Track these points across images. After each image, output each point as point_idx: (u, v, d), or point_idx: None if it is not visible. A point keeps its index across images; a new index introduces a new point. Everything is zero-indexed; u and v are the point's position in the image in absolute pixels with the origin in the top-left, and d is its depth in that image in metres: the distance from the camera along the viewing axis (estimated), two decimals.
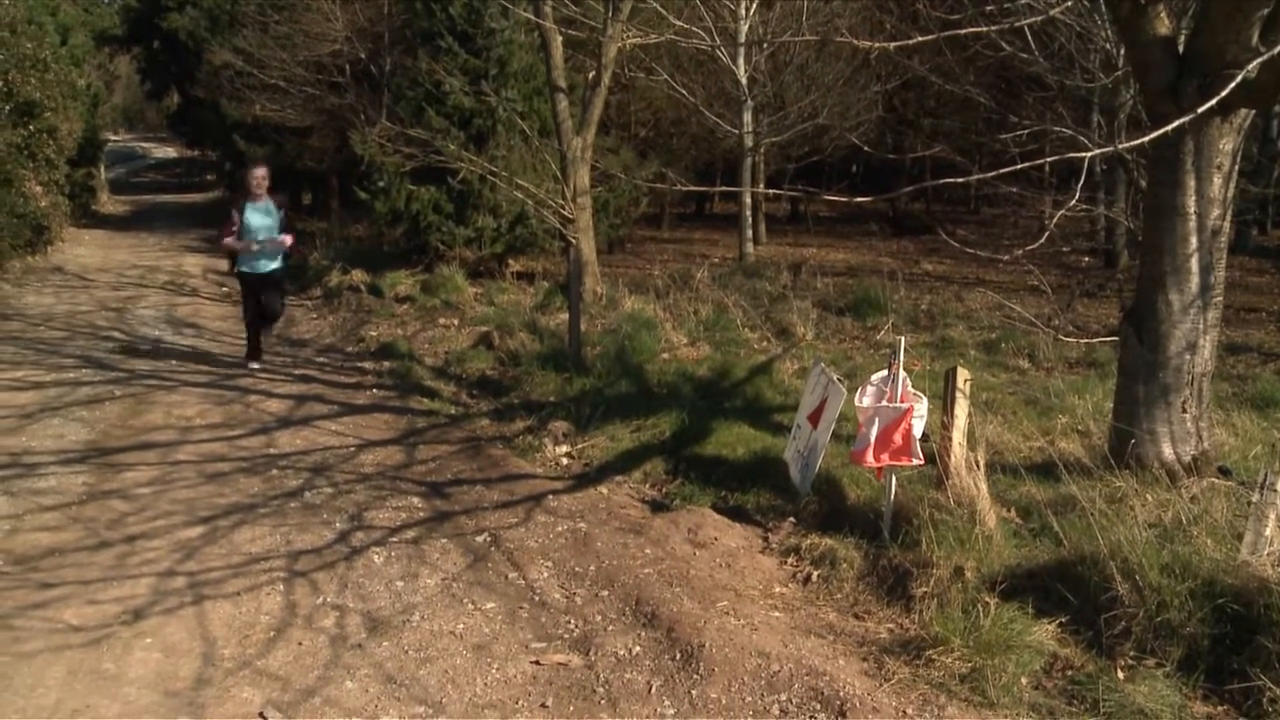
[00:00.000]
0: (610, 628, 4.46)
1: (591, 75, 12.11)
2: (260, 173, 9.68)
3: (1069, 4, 5.02)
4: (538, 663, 4.20)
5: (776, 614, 4.58)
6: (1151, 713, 3.64)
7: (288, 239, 9.73)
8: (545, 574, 5.06)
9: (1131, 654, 4.03)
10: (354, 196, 15.98)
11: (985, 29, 6.73)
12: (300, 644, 4.36)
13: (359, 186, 15.27)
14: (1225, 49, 5.09)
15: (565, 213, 9.07)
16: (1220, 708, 3.76)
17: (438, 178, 14.19)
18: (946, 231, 21.52)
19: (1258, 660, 3.77)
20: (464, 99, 14.55)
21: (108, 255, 19.80)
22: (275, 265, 9.80)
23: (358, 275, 14.81)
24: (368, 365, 10.05)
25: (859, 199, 4.18)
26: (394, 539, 5.51)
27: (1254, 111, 5.69)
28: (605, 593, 4.80)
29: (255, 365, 9.88)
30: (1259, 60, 4.52)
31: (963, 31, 6.22)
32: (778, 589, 4.88)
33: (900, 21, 16.40)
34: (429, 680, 4.07)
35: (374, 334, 11.50)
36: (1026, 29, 11.47)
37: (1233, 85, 4.06)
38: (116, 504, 6.03)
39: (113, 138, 47.72)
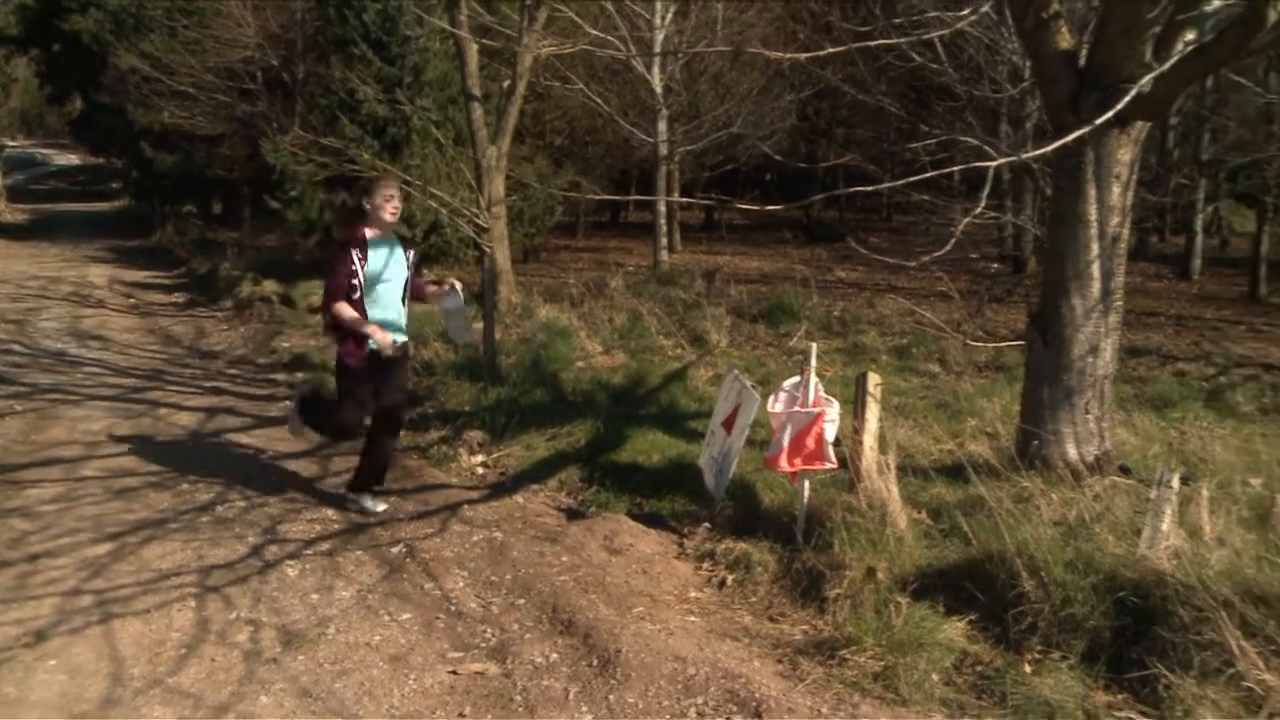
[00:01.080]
0: (527, 636, 4.45)
1: (507, 84, 12.12)
2: (392, 192, 5.98)
3: (975, 17, 5.15)
4: (455, 672, 4.18)
5: (692, 618, 4.61)
6: (1056, 704, 3.73)
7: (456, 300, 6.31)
8: (461, 584, 5.04)
9: (1038, 648, 4.14)
10: (266, 206, 15.78)
11: (896, 40, 6.89)
12: (213, 660, 4.29)
13: (271, 196, 15.09)
14: (1122, 64, 5.27)
15: (480, 222, 9.05)
16: (1120, 696, 3.87)
17: (352, 187, 14.04)
18: (859, 239, 21.91)
19: (1155, 650, 3.89)
20: (378, 107, 14.46)
21: (6, 265, 19.26)
22: (405, 333, 6.15)
23: (270, 286, 14.60)
24: (280, 377, 9.90)
25: (771, 206, 4.23)
26: (308, 551, 5.44)
27: (1150, 124, 5.89)
28: (522, 601, 4.80)
29: (374, 506, 6.10)
30: (1151, 75, 4.69)
31: (874, 44, 6.35)
32: (693, 593, 4.91)
33: (813, 32, 16.68)
34: (345, 693, 4.03)
35: (287, 345, 11.33)
36: (937, 41, 11.75)
37: (1128, 99, 4.21)
38: (17, 522, 5.86)
39: (10, 143, 46.37)
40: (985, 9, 5.98)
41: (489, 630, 4.54)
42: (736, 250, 22.20)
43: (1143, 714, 3.76)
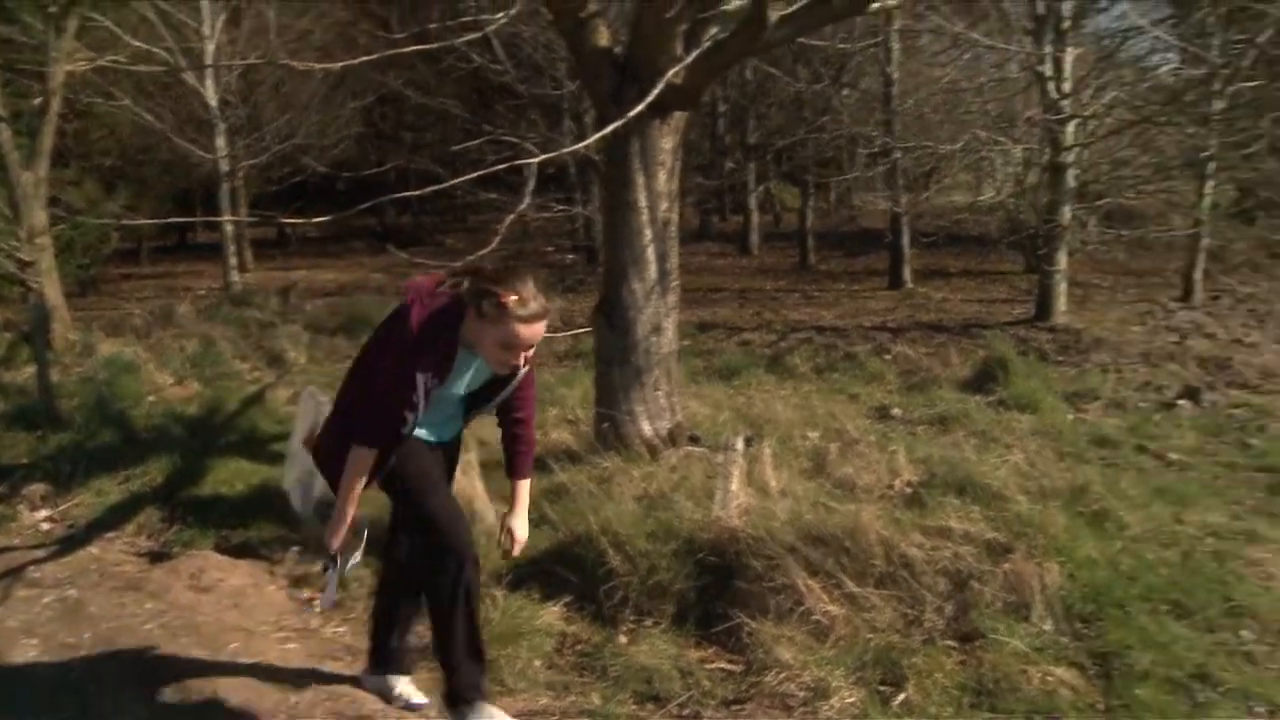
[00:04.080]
0: (115, 696, 4.09)
1: (38, 102, 11.08)
2: (540, 321, 3.44)
3: (506, 19, 5.34)
4: None
5: (291, 645, 4.44)
6: (653, 668, 3.93)
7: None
8: (33, 654, 4.53)
9: (631, 619, 4.33)
10: None
11: (450, 41, 6.93)
12: None
13: None
14: (657, 58, 5.60)
15: (21, 256, 8.16)
16: (710, 650, 4.14)
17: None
18: (436, 241, 21.96)
19: (736, 602, 4.20)
20: None
21: None
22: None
23: None
24: None
25: (319, 219, 4.13)
26: None
27: (688, 113, 6.30)
28: (106, 660, 4.39)
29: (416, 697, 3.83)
30: (678, 67, 5.03)
31: (428, 47, 6.35)
32: (289, 620, 4.72)
33: (374, 38, 16.47)
34: None
35: None
36: (495, 41, 11.98)
37: (659, 89, 4.49)
38: None
39: None
40: (515, 10, 6.15)
41: (68, 700, 4.11)
42: (312, 264, 21.59)
43: (731, 662, 4.04)
